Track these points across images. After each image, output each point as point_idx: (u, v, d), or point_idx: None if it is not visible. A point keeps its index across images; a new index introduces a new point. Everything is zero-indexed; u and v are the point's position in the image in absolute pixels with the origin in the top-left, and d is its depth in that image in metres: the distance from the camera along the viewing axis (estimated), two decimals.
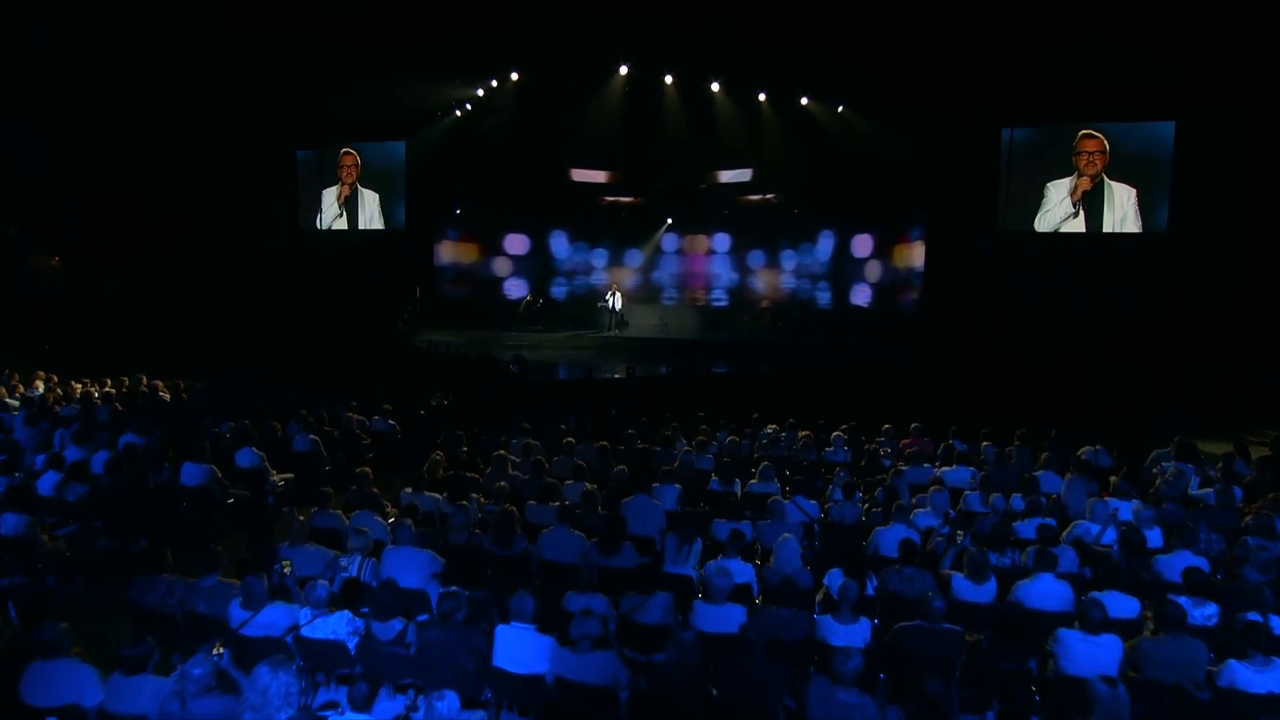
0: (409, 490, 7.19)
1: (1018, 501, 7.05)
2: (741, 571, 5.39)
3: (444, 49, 15.58)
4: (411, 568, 5.32)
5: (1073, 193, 17.07)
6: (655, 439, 9.23)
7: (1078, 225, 17.18)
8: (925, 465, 8.54)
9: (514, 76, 17.39)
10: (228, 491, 7.95)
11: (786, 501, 6.82)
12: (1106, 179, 16.93)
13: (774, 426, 9.80)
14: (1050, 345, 15.89)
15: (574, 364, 16.98)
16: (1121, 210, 16.89)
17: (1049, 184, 17.37)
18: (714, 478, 8.01)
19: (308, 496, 7.53)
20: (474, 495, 7.08)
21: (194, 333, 18.21)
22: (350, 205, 22.45)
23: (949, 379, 14.28)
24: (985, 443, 9.23)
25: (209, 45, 16.42)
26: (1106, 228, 16.98)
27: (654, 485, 7.33)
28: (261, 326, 18.49)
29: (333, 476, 9.25)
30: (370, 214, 22.29)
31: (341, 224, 22.63)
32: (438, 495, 7.12)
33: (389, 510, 7.22)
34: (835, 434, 9.51)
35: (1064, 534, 6.45)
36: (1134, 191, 16.68)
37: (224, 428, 9.35)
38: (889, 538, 6.05)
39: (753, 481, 7.92)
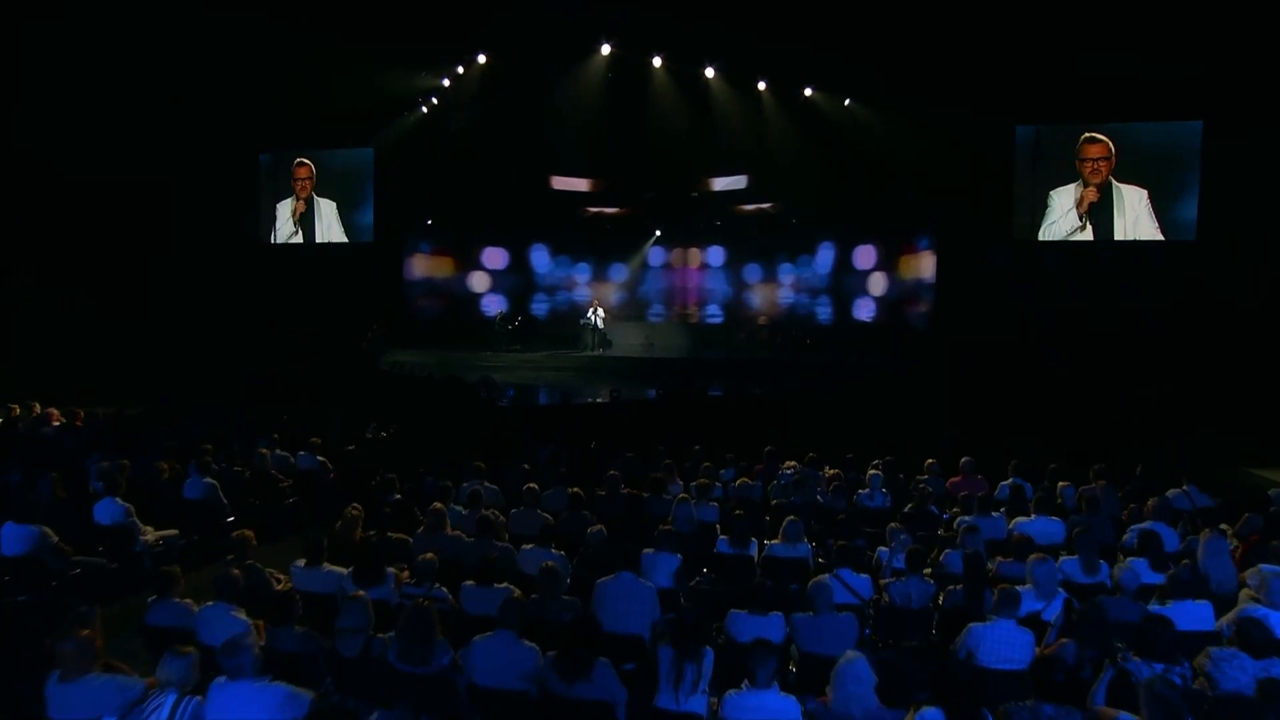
0: (301, 563, 5.18)
1: (1143, 570, 5.13)
2: (782, 710, 3.44)
3: (406, 28, 13.71)
4: (253, 716, 3.32)
5: (1079, 204, 15.51)
6: (644, 481, 7.26)
7: (1085, 236, 15.68)
8: (994, 515, 6.61)
9: (481, 60, 15.39)
10: (70, 560, 5.92)
11: (829, 578, 4.87)
12: (1114, 182, 15.46)
13: (793, 464, 7.85)
14: (1077, 362, 14.26)
15: (551, 387, 15.10)
16: (1134, 213, 15.50)
17: (1053, 191, 15.82)
18: (721, 536, 6.06)
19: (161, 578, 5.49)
20: (392, 570, 5.08)
21: (139, 355, 16.06)
22: (306, 221, 20.45)
23: (969, 401, 12.51)
24: (1062, 483, 7.32)
25: (156, 28, 14.60)
26: (1118, 234, 15.60)
27: (644, 553, 5.38)
28: (214, 347, 16.40)
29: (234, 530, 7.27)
30: (328, 224, 20.34)
31: (297, 239, 20.62)
32: (341, 570, 5.12)
33: (284, 587, 5.24)
34: (871, 472, 7.57)
35: (1224, 621, 4.54)
36: (1145, 193, 15.35)
37: (93, 471, 7.32)
38: (993, 640, 4.10)
39: (774, 542, 5.97)
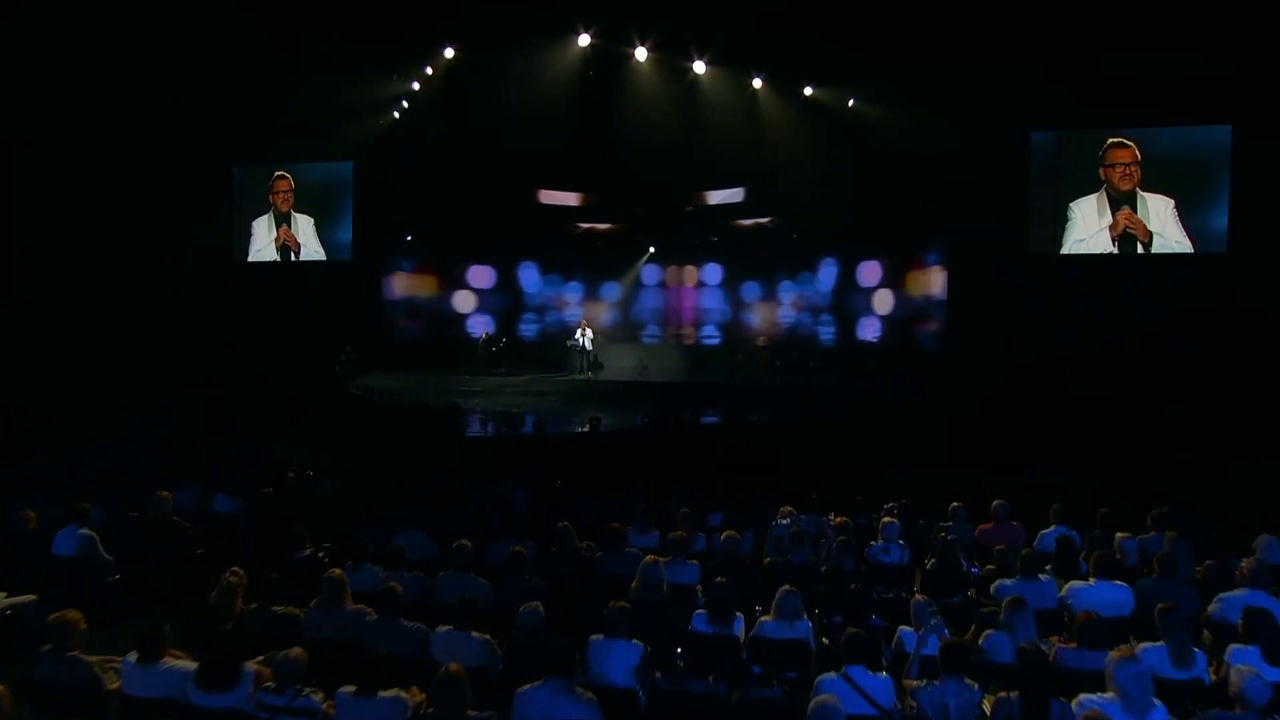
0: (133, 658, 3.91)
1: (1258, 663, 3.83)
2: None
3: (369, 20, 12.64)
4: None
5: (1113, 227, 14.39)
6: (605, 533, 5.95)
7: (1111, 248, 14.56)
8: (1041, 577, 5.32)
9: (449, 54, 14.07)
10: None
11: (837, 683, 3.59)
12: (1140, 191, 14.40)
13: (790, 510, 6.53)
14: (1105, 384, 13.00)
15: (529, 414, 13.86)
16: (1160, 223, 14.30)
17: (1072, 203, 14.71)
18: (700, 610, 4.76)
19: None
20: (252, 668, 3.81)
21: (87, 378, 14.83)
22: (286, 247, 19.36)
23: (988, 430, 11.21)
24: (1120, 534, 6.00)
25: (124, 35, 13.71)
26: (1155, 248, 14.33)
27: (592, 639, 4.10)
28: (168, 372, 15.16)
29: (114, 593, 6.04)
30: (305, 241, 19.26)
31: (271, 255, 19.49)
32: (189, 666, 3.84)
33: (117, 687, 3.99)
34: (885, 520, 6.28)
35: None
36: (1171, 202, 14.26)
37: None
38: None
39: (765, 619, 4.68)
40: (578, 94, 14.10)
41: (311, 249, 19.19)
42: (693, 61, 13.36)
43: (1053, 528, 6.48)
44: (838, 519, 6.34)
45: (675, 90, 13.86)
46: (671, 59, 13.27)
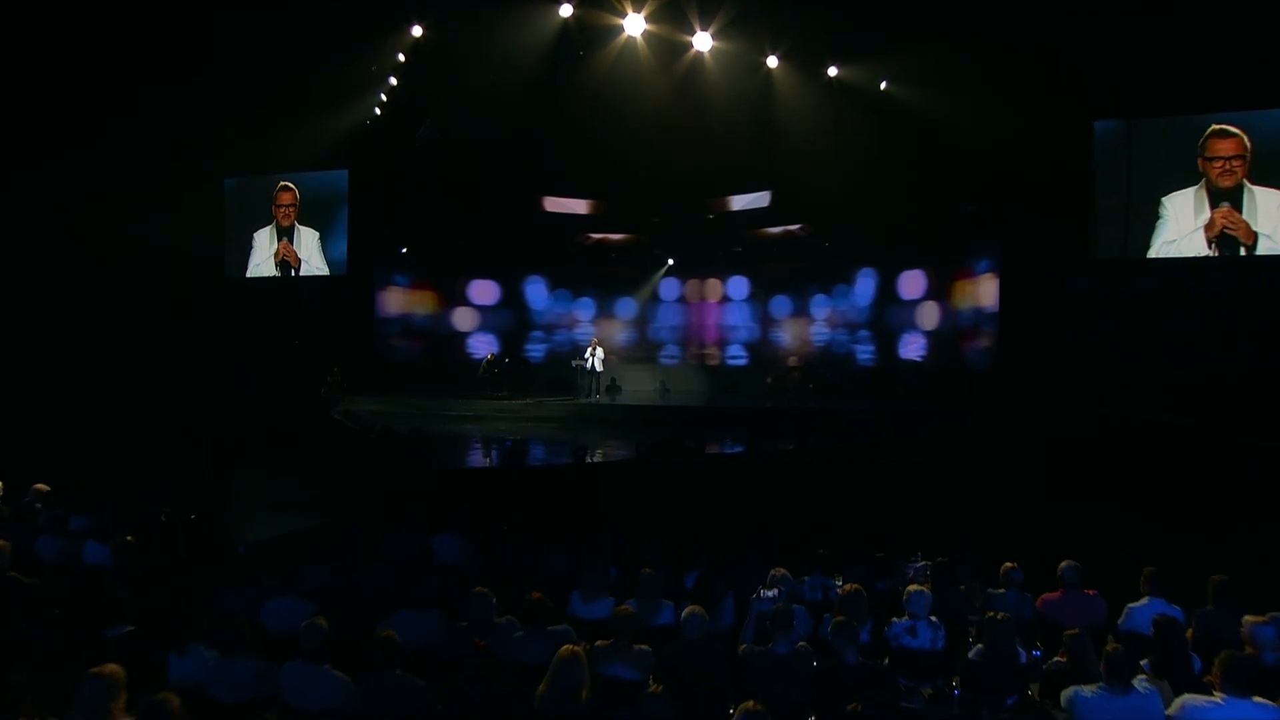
0: None
1: None
2: None
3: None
4: None
5: (1208, 227, 12.43)
6: (522, 603, 4.41)
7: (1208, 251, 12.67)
8: (1140, 686, 3.63)
9: (417, 31, 12.63)
10: None
11: None
12: (1246, 183, 12.39)
13: (782, 573, 4.89)
14: (1192, 413, 11.12)
15: (519, 442, 12.44)
16: (1270, 222, 12.32)
17: (1165, 198, 12.79)
18: None
19: None
20: None
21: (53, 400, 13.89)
22: (287, 262, 18.45)
23: (1049, 466, 9.37)
24: (1251, 618, 4.25)
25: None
26: (1261, 250, 12.38)
27: None
28: (134, 398, 14.15)
29: None
30: (309, 256, 18.29)
31: (269, 270, 18.54)
32: None
33: None
34: (912, 589, 4.62)
35: None
36: None
37: None
38: None
39: None
40: (567, 84, 12.62)
41: (314, 265, 18.21)
42: (694, 34, 11.69)
43: (1145, 601, 4.78)
44: (847, 586, 4.69)
45: (678, 73, 12.20)
46: (670, 32, 11.60)
